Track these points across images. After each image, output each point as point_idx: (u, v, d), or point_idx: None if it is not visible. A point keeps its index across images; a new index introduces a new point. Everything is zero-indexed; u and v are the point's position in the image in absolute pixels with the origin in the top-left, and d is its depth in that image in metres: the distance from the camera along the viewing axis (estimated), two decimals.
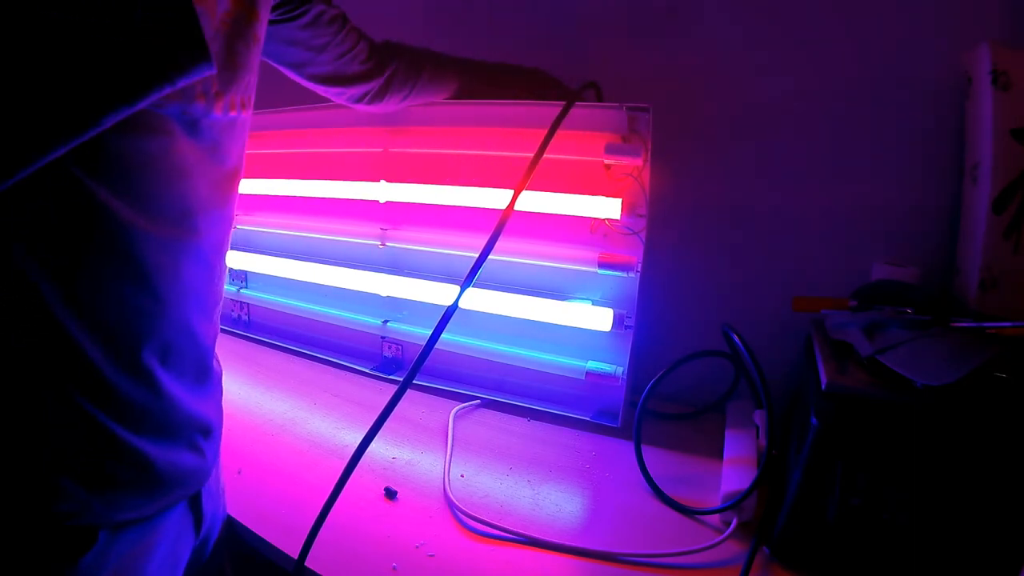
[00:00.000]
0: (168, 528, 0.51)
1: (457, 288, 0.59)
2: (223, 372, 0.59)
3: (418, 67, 0.78)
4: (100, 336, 0.42)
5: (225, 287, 0.56)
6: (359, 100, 0.76)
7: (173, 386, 0.48)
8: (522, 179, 0.62)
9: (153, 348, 0.45)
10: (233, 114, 0.47)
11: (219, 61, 0.44)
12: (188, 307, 0.48)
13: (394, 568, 0.55)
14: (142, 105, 0.33)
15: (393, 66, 0.75)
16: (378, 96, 0.77)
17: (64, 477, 0.42)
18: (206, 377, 0.53)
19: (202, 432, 0.53)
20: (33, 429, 0.41)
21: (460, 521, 0.63)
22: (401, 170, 0.93)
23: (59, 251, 0.39)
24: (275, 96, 0.99)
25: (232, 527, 0.63)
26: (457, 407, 0.88)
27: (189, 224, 0.46)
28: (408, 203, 0.93)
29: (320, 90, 0.73)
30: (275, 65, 0.68)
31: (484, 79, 0.84)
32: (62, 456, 0.42)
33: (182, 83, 0.34)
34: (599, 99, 0.80)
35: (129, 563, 0.46)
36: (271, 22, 0.63)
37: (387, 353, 1.01)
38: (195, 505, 0.54)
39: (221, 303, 0.55)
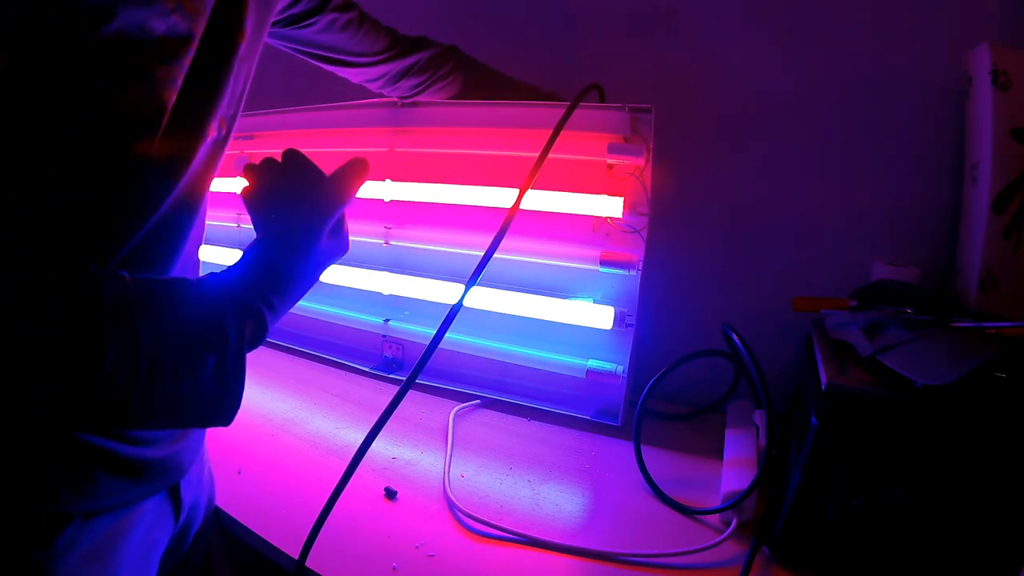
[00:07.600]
0: (145, 513, 0.51)
1: (458, 286, 0.59)
2: None
3: (441, 63, 0.81)
4: None
5: None
6: (373, 81, 0.79)
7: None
8: (527, 178, 0.62)
9: None
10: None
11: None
12: None
13: (394, 568, 0.55)
14: None
15: (416, 56, 0.78)
16: (392, 81, 0.79)
17: (39, 471, 0.42)
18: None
19: (175, 438, 0.52)
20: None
21: (460, 521, 0.63)
22: (406, 170, 0.93)
23: None
24: (282, 96, 0.99)
25: (232, 527, 0.63)
26: (457, 407, 0.88)
27: None
28: (413, 202, 0.93)
29: (336, 71, 0.76)
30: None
31: (491, 91, 0.85)
32: (39, 454, 0.42)
33: None
34: (602, 100, 0.80)
35: (104, 544, 0.47)
36: (280, 24, 0.63)
37: (387, 353, 1.01)
38: (174, 493, 0.55)
39: None
